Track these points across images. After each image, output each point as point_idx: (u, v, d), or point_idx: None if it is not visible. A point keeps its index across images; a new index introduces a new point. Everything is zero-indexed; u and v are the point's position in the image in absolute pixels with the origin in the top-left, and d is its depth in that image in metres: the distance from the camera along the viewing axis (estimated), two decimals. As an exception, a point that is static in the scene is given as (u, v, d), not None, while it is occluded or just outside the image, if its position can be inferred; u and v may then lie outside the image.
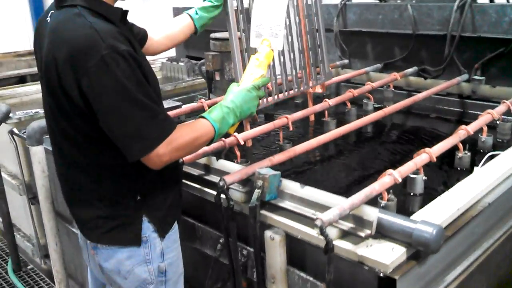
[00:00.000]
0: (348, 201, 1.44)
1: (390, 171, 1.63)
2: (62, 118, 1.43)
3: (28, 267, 3.49)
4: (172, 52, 5.89)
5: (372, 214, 1.45)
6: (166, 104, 2.83)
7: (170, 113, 2.58)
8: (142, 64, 1.38)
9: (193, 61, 4.45)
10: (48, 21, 1.43)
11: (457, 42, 3.03)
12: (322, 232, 1.34)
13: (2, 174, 3.32)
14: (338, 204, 1.48)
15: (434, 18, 3.17)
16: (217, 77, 2.95)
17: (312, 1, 2.42)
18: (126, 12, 1.50)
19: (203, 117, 1.53)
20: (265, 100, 2.15)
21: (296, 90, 2.32)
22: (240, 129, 2.30)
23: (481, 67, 3.01)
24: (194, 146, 1.50)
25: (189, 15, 1.94)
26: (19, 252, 3.49)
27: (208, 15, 1.95)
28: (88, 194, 1.51)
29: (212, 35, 2.98)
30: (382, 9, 3.43)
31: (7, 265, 3.49)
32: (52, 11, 1.45)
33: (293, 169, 2.25)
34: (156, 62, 4.96)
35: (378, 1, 3.72)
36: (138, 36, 1.77)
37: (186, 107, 2.75)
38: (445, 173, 2.15)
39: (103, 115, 1.34)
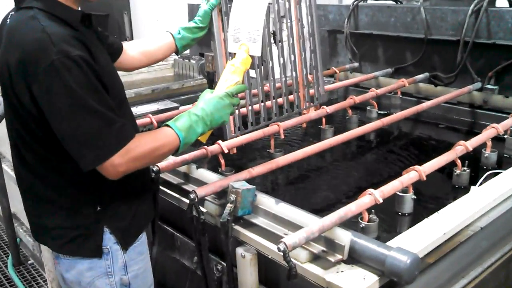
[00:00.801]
0: (318, 223, 1.35)
1: (370, 190, 1.53)
2: (17, 122, 1.39)
3: (29, 262, 3.49)
4: (186, 49, 5.85)
5: (344, 238, 1.35)
6: (163, 105, 2.77)
7: (166, 114, 2.53)
8: (98, 70, 1.32)
9: (205, 59, 4.39)
10: (8, 22, 1.39)
11: (471, 48, 2.88)
12: (285, 257, 1.26)
13: (7, 169, 3.33)
14: (311, 223, 1.40)
15: (447, 22, 3.02)
16: (217, 79, 2.86)
17: (308, 20, 2.31)
18: (88, 15, 1.44)
19: (168, 125, 1.46)
20: (249, 124, 2.04)
21: (286, 114, 2.21)
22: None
23: (495, 76, 2.86)
24: (155, 157, 1.43)
25: (171, 34, 1.88)
26: (22, 246, 3.51)
27: (191, 35, 1.87)
28: (48, 203, 1.46)
29: (214, 35, 2.90)
30: (394, 12, 3.30)
31: (8, 258, 3.51)
32: (12, 12, 1.40)
33: (283, 180, 2.17)
34: (169, 59, 4.92)
35: (392, 3, 3.59)
36: (113, 47, 1.71)
37: (183, 109, 2.69)
38: (442, 191, 2.03)
39: (55, 123, 1.29)
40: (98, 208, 1.47)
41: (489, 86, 2.84)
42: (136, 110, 2.63)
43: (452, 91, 2.93)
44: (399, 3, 3.64)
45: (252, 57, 1.68)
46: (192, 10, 5.02)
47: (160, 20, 8.27)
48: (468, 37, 2.88)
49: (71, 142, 1.30)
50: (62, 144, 1.32)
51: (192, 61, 4.53)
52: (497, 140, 2.31)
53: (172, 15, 8.14)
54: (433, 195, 1.96)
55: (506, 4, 3.06)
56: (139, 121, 2.40)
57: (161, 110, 2.64)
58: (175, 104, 2.77)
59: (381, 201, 1.52)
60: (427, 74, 3.13)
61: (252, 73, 2.40)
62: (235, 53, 1.69)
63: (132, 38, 6.21)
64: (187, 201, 1.74)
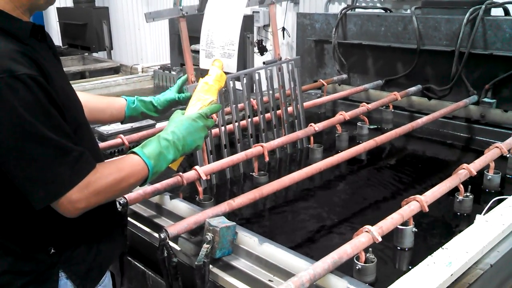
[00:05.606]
0: (309, 272, 1.15)
1: (367, 227, 1.33)
2: None
3: None
4: (166, 60, 5.65)
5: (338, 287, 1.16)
6: (138, 122, 2.56)
7: (140, 134, 2.32)
8: (50, 90, 1.12)
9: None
10: None
11: (466, 59, 2.72)
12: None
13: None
14: (299, 268, 1.20)
15: (441, 32, 2.86)
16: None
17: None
18: (40, 27, 1.24)
19: (134, 152, 1.27)
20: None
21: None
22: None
23: (492, 89, 2.70)
24: (120, 189, 1.24)
25: (126, 100, 1.71)
26: None
27: (143, 109, 1.71)
28: None
29: (192, 47, 2.69)
30: (384, 21, 3.13)
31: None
32: None
33: (267, 204, 1.96)
34: (148, 70, 4.73)
35: (381, 11, 3.43)
36: None
37: (160, 126, 2.48)
38: (442, 219, 1.84)
39: (0, 155, 1.09)
40: (52, 251, 1.26)
41: (486, 100, 2.68)
42: (107, 128, 2.42)
43: (446, 104, 2.77)
44: (388, 11, 3.49)
45: (227, 73, 1.50)
46: (173, 19, 4.81)
47: (142, 29, 8.08)
48: (463, 48, 2.72)
49: (19, 177, 1.11)
50: (11, 179, 1.12)
51: (173, 72, 4.33)
52: (499, 158, 2.13)
53: (154, 25, 7.96)
54: (433, 224, 1.76)
55: (502, 13, 2.91)
56: (109, 142, 2.20)
57: (135, 129, 2.43)
58: (151, 122, 2.56)
59: (380, 239, 1.33)
60: (419, 86, 2.96)
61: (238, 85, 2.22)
62: (208, 70, 1.51)
63: (112, 48, 5.97)
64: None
